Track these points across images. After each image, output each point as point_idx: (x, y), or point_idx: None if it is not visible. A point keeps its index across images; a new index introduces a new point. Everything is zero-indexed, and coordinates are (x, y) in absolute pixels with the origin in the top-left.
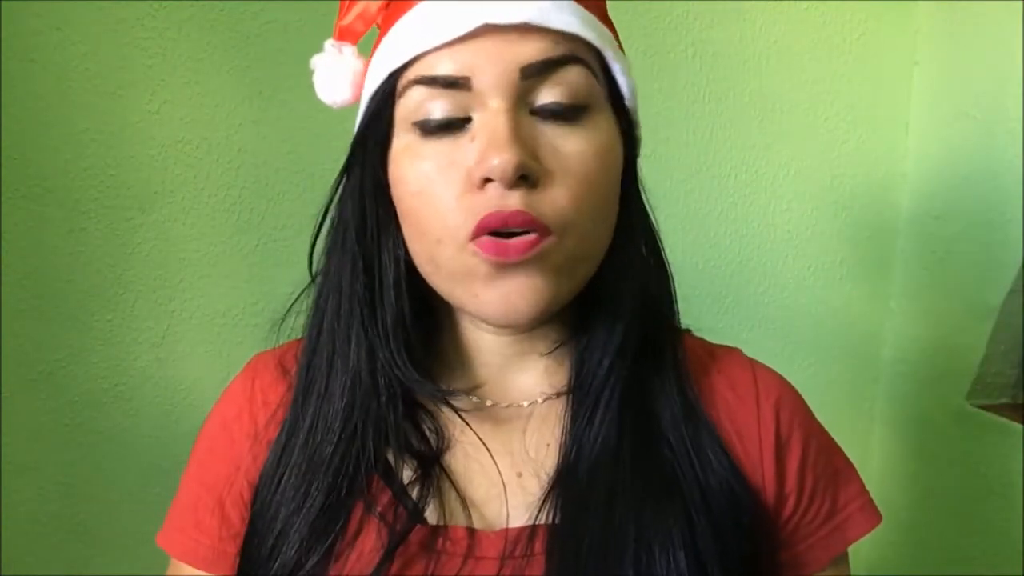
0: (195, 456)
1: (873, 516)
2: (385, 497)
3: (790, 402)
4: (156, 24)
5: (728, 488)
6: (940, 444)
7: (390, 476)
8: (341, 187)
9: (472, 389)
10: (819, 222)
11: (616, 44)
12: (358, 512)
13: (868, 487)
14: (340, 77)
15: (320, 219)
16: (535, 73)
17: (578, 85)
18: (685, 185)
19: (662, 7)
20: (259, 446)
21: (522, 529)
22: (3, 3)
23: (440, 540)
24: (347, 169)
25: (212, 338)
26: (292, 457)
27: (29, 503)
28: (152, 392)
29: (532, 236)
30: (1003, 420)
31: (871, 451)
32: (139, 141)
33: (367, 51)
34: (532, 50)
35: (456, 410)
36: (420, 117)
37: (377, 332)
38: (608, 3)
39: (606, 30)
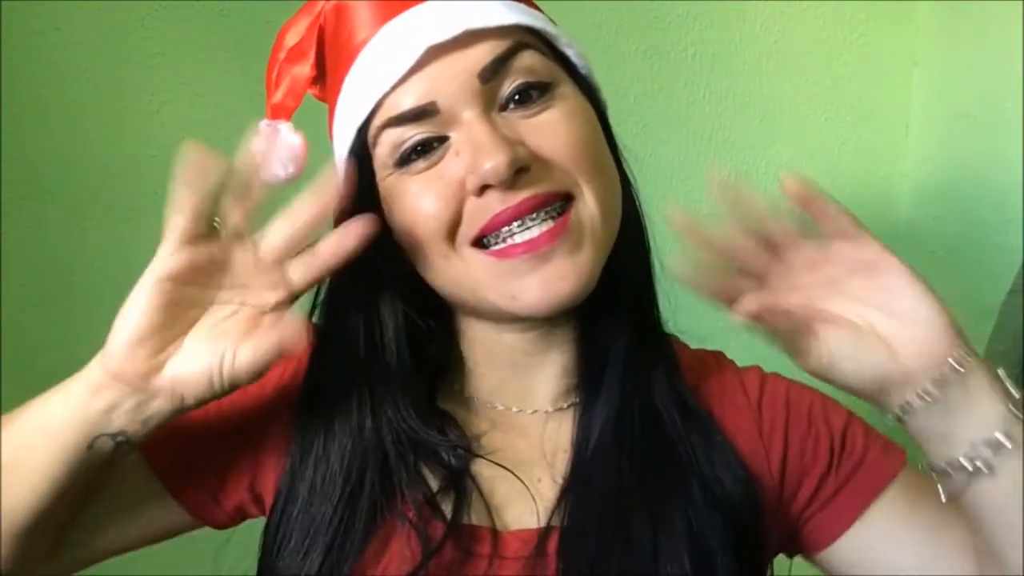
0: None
1: (896, 453)
2: (414, 507)
3: (773, 392)
4: (156, 24)
5: (733, 482)
6: None
7: (416, 487)
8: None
9: (490, 394)
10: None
11: (551, 21)
12: (385, 524)
13: None
14: (281, 155)
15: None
16: (492, 73)
17: (533, 66)
18: (685, 185)
19: (662, 7)
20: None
21: (537, 531)
22: (3, 3)
23: (467, 541)
24: None
25: None
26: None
27: None
28: None
29: (555, 223)
30: None
31: None
32: (139, 141)
33: (301, 124)
34: (481, 54)
35: (473, 453)
36: (398, 155)
37: (384, 390)
38: (609, 3)
39: (539, 12)
